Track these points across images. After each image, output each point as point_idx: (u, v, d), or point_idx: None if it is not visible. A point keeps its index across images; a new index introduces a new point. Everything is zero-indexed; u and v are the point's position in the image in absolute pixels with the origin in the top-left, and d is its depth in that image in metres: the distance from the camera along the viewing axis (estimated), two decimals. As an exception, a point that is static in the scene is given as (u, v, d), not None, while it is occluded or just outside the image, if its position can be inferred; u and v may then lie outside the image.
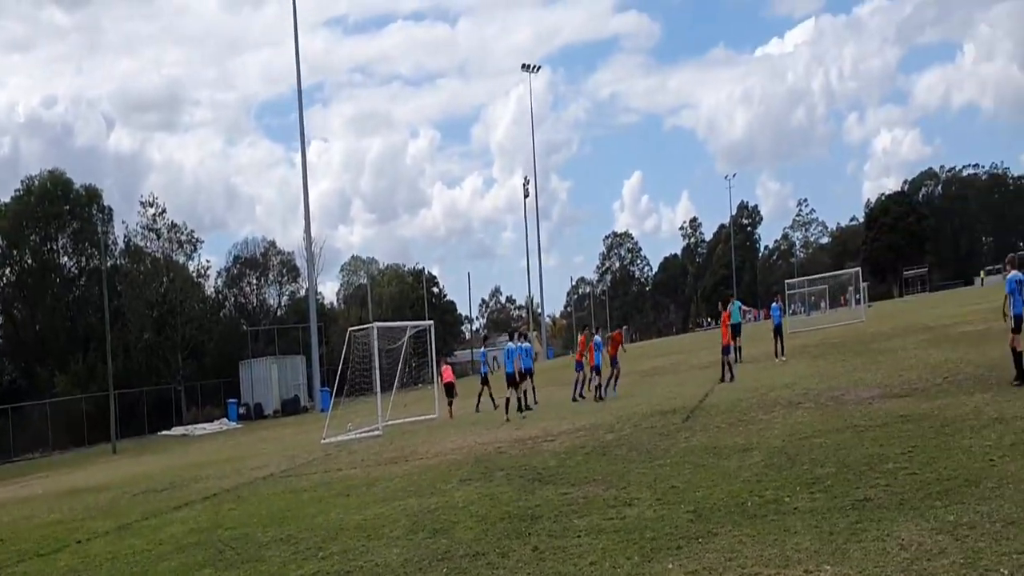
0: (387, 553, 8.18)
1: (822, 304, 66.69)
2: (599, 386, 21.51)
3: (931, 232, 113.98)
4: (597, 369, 21.55)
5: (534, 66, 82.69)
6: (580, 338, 23.07)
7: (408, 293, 77.37)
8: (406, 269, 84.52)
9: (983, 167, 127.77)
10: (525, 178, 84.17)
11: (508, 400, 20.48)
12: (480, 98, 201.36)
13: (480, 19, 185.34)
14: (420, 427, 22.48)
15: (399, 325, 27.98)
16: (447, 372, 25.57)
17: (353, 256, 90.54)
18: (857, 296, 56.96)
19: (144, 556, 10.10)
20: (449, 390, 24.82)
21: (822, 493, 7.78)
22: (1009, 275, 13.08)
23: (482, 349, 25.20)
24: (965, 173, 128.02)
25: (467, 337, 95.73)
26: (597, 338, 22.75)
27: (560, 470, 11.30)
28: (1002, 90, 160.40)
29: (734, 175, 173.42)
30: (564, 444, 13.86)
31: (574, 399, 22.13)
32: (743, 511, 7.60)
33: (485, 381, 25.33)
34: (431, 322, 28.16)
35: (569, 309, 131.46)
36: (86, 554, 10.88)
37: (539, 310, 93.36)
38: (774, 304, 28.52)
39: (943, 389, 13.16)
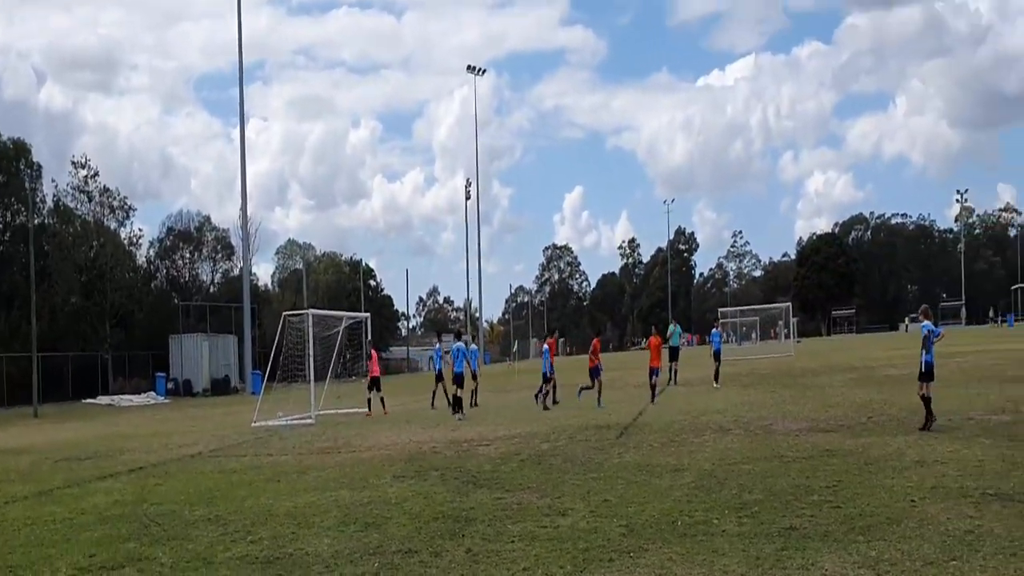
0: (318, 543, 8.17)
1: (753, 335, 68.22)
2: (547, 394, 21.77)
3: (860, 275, 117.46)
4: (546, 376, 21.89)
5: (479, 68, 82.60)
6: (595, 343, 22.59)
7: (344, 283, 76.52)
8: (343, 259, 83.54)
9: (911, 217, 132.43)
10: (467, 180, 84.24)
11: (456, 398, 20.68)
12: (424, 94, 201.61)
13: (427, 15, 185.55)
14: (353, 419, 22.34)
15: (335, 314, 27.77)
16: (374, 364, 24.76)
17: (289, 240, 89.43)
18: (786, 331, 58.43)
19: (65, 524, 9.89)
20: (374, 384, 24.14)
21: (749, 518, 8.02)
22: (922, 324, 13.60)
23: (437, 346, 24.88)
24: (894, 221, 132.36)
25: (403, 334, 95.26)
26: (545, 346, 23.21)
27: (495, 475, 11.40)
28: (931, 145, 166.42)
29: (672, 200, 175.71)
30: (499, 450, 13.96)
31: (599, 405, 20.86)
32: (673, 529, 7.79)
33: (440, 379, 25.01)
34: (368, 314, 28.00)
35: (507, 316, 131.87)
36: (2, 518, 10.60)
37: (477, 314, 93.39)
38: (715, 331, 29.02)
39: (867, 428, 13.63)
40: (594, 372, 21.05)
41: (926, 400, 12.97)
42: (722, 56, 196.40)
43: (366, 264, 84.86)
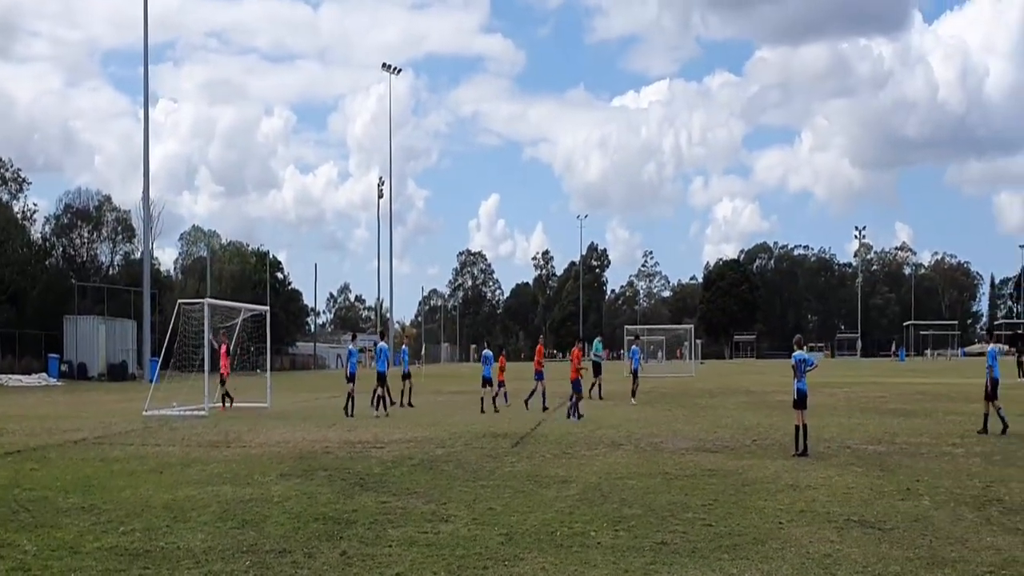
0: (191, 537, 8.02)
1: (659, 354, 69.61)
2: (494, 398, 22.41)
3: (762, 302, 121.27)
4: (488, 381, 22.60)
5: (395, 67, 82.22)
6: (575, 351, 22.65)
7: (251, 274, 74.73)
8: (250, 249, 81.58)
9: (813, 249, 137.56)
10: (380, 178, 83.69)
11: (378, 396, 20.98)
12: (340, 88, 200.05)
13: (345, 8, 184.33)
14: (248, 414, 21.92)
15: (233, 305, 27.22)
16: (224, 358, 23.82)
17: (194, 226, 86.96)
18: (690, 351, 59.86)
19: (-75, 507, 9.45)
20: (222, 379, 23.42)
21: (625, 532, 8.22)
22: (795, 354, 14.04)
23: (351, 347, 24.54)
24: (796, 252, 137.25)
25: (312, 330, 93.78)
26: (487, 352, 23.59)
27: (383, 478, 11.37)
28: (834, 181, 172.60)
29: (586, 216, 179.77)
30: (392, 453, 13.93)
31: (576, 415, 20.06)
32: (552, 540, 7.93)
33: (353, 379, 24.46)
34: (267, 308, 27.45)
35: (420, 319, 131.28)
36: None
37: (388, 315, 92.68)
38: (635, 348, 29.39)
39: (750, 450, 14.09)
40: (538, 375, 22.24)
41: (798, 428, 13.43)
42: (637, 78, 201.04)
43: (274, 256, 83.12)
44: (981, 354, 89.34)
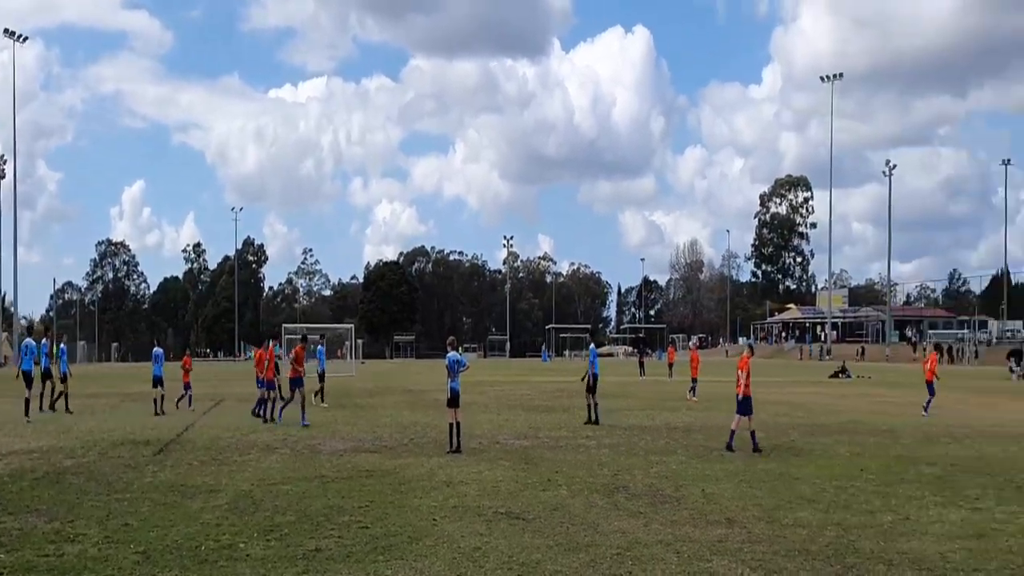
0: None
1: (291, 353, 68.58)
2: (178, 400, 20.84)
3: (421, 304, 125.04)
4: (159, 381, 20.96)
5: (20, 35, 73.97)
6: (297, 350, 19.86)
7: None
8: None
9: (467, 255, 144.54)
10: (2, 156, 74.43)
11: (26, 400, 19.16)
12: None
13: None
14: None
15: None
16: None
17: None
18: (350, 351, 59.89)
19: None
20: None
21: (277, 541, 7.90)
22: (448, 355, 14.61)
23: (29, 340, 20.97)
24: (452, 257, 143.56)
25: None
26: (158, 350, 21.85)
27: (-4, 495, 9.91)
28: (484, 192, 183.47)
29: (241, 209, 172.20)
30: (11, 466, 12.26)
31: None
32: (195, 555, 7.38)
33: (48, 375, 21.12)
34: None
35: (51, 313, 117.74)
36: None
37: (12, 308, 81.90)
38: (320, 347, 28.49)
39: (408, 449, 14.33)
40: (295, 383, 18.46)
41: (452, 425, 13.92)
42: (295, 72, 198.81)
43: None
44: (611, 354, 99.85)
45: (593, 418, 18.46)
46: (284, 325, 47.74)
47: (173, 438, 15.77)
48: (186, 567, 7.02)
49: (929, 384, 21.31)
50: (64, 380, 21.45)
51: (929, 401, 21.01)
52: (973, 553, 7.56)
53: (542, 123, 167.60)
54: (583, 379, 19.41)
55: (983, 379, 40.76)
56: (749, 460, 13.19)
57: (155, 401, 20.97)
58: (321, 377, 24.33)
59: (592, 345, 20.51)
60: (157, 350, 22.31)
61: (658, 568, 7.02)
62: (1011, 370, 46.12)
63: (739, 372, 14.63)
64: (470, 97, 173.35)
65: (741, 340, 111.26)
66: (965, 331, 78.24)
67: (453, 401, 14.02)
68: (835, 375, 43.55)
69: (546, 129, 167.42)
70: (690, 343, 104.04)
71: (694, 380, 26.57)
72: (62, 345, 21.51)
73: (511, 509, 9.34)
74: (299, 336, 23.41)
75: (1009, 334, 79.06)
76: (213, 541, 7.88)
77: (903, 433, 17.02)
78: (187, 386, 22.18)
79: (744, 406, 14.22)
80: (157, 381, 21.17)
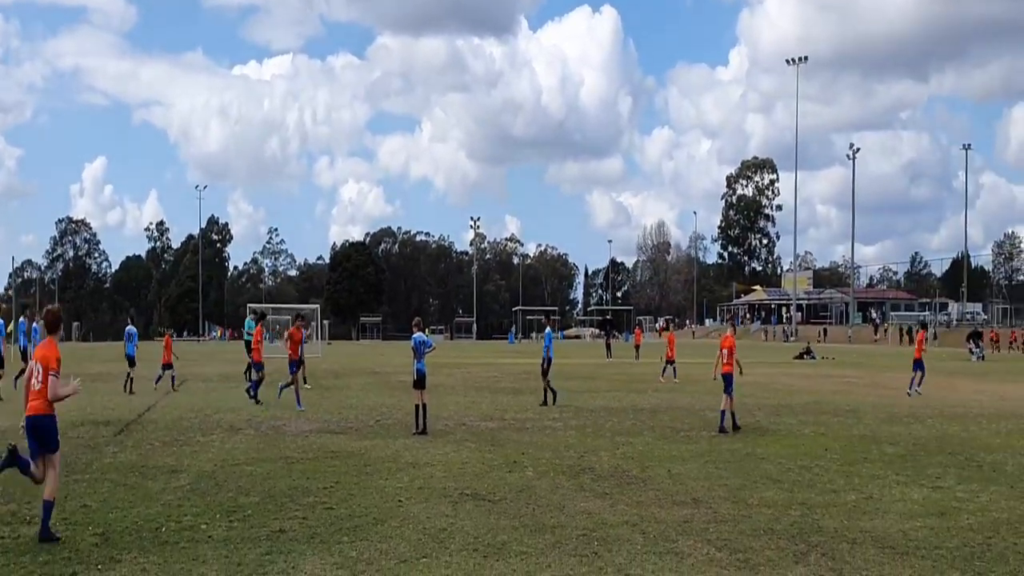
0: None
1: (285, 334, 68.26)
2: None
3: (387, 285, 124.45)
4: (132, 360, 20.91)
5: None
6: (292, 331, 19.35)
7: None
8: None
9: (434, 236, 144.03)
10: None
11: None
12: None
13: None
14: None
15: None
16: None
17: None
18: (316, 332, 59.44)
19: None
20: None
21: (240, 522, 7.78)
22: (414, 336, 14.44)
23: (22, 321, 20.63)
24: (419, 238, 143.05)
25: None
26: (130, 328, 22.09)
27: (-53, 477, 9.65)
28: (452, 172, 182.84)
29: (205, 187, 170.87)
30: (-39, 447, 11.91)
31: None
32: (156, 537, 7.24)
33: None
34: None
35: (10, 292, 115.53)
36: None
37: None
38: (250, 320, 28.26)
39: (374, 430, 14.22)
40: (293, 365, 18.19)
41: (418, 407, 13.80)
42: (259, 49, 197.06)
43: None
44: (578, 336, 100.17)
45: (549, 400, 18.45)
46: (248, 305, 47.19)
47: (134, 418, 15.53)
48: (146, 548, 6.88)
49: (918, 362, 21.62)
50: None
51: (921, 379, 21.46)
52: (935, 531, 7.65)
53: (509, 103, 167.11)
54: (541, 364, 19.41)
55: (943, 361, 41.44)
56: (715, 440, 13.27)
57: (128, 380, 20.79)
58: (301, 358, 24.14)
59: (548, 328, 20.49)
60: (130, 328, 22.31)
61: (624, 548, 7.01)
62: (971, 351, 46.97)
63: (721, 351, 14.74)
64: (437, 76, 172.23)
65: (708, 322, 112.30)
66: (926, 313, 79.52)
67: (419, 383, 13.91)
68: (800, 356, 44.05)
69: (513, 109, 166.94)
70: (657, 325, 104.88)
71: (671, 361, 26.67)
72: (36, 324, 21.10)
73: (477, 491, 9.29)
74: (293, 317, 23.02)
75: (969, 316, 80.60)
76: (174, 522, 7.74)
77: (866, 413, 17.24)
78: (169, 366, 21.84)
79: (727, 384, 14.34)
80: (130, 360, 20.98)
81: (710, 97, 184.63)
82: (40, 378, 7.18)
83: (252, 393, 18.56)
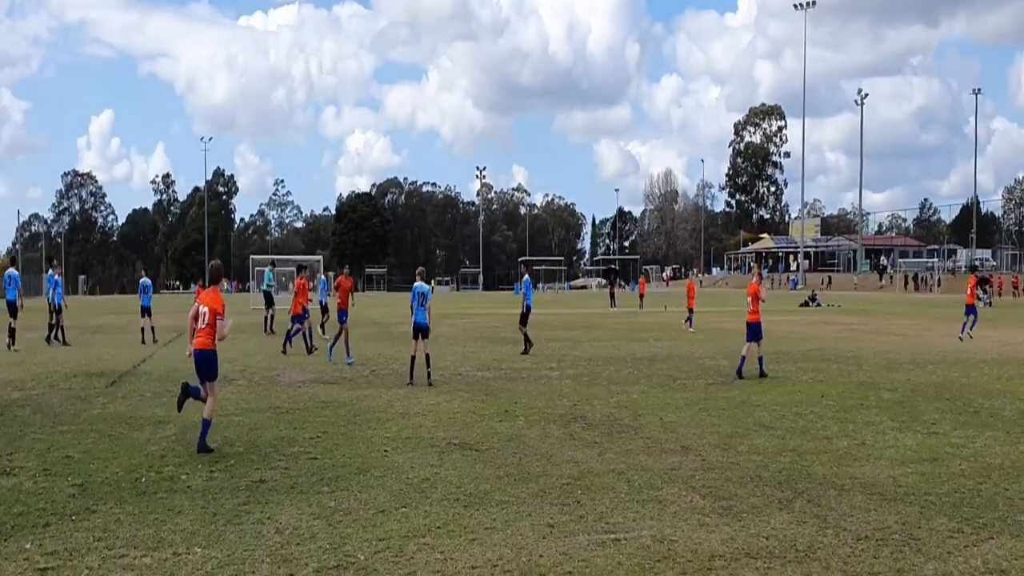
0: None
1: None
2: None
3: (393, 236, 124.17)
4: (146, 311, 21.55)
5: None
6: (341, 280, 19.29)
7: None
8: None
9: (440, 187, 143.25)
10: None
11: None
12: None
13: None
14: None
15: None
16: None
17: None
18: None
19: None
20: None
21: (222, 472, 7.70)
22: (415, 285, 14.20)
23: (11, 271, 20.98)
24: (425, 189, 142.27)
25: None
26: (145, 280, 22.55)
27: (-68, 429, 9.61)
28: (458, 122, 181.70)
29: (211, 139, 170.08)
30: (-49, 399, 11.89)
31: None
32: (134, 487, 7.16)
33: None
34: None
35: (17, 246, 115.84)
36: None
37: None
38: (322, 279, 28.50)
39: (368, 381, 14.14)
40: (340, 315, 17.73)
41: (414, 357, 13.65)
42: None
43: None
44: (584, 287, 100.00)
45: (529, 349, 18.36)
46: (252, 257, 47.12)
47: (128, 370, 15.49)
48: (123, 499, 6.80)
49: (970, 307, 21.95)
50: (59, 312, 21.29)
51: (973, 323, 21.82)
52: (925, 477, 7.52)
53: (516, 51, 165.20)
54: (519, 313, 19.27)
55: (950, 308, 41.16)
56: (711, 388, 13.15)
57: (142, 330, 21.47)
58: (324, 309, 24.69)
59: (526, 277, 20.29)
60: (145, 280, 22.92)
61: (607, 497, 6.90)
62: (978, 297, 46.63)
63: (748, 299, 14.76)
64: (444, 24, 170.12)
65: (715, 271, 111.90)
66: (935, 260, 79.01)
67: (421, 331, 13.69)
68: (805, 303, 43.83)
69: (521, 57, 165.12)
70: (664, 274, 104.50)
71: (690, 310, 26.61)
72: (56, 277, 21.43)
73: (465, 440, 9.19)
74: (297, 267, 22.98)
75: (978, 262, 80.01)
76: (155, 472, 7.67)
77: (866, 360, 17.09)
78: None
79: (753, 331, 14.52)
80: (145, 311, 21.57)
81: (719, 43, 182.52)
82: (207, 320, 8.70)
83: (307, 342, 18.94)
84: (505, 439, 9.24)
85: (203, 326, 8.75)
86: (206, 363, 8.85)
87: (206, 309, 8.70)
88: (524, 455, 8.46)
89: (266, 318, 25.36)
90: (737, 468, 7.86)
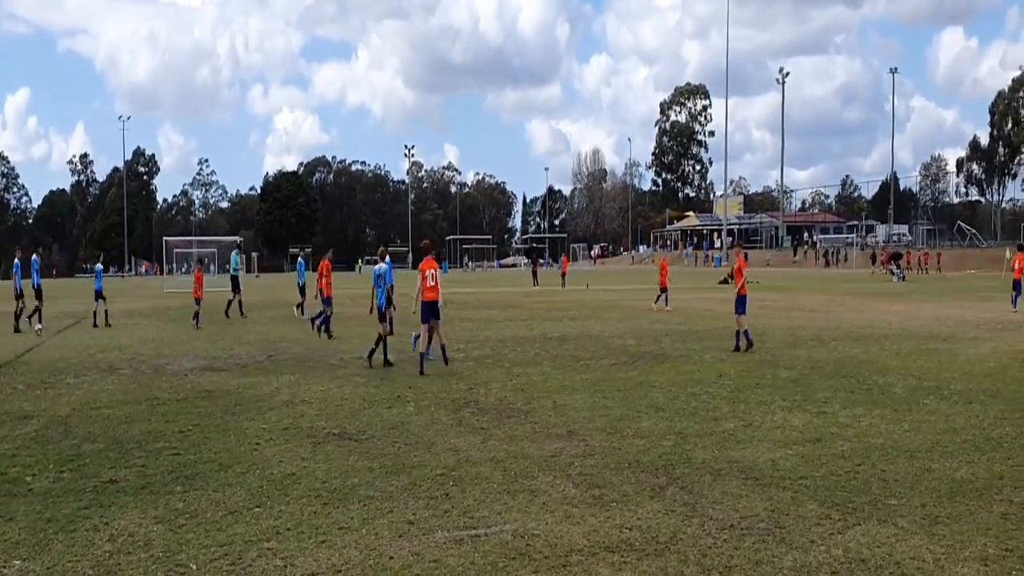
0: None
1: (212, 268, 66.52)
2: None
3: (321, 215, 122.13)
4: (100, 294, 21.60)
5: None
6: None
7: None
8: None
9: (370, 165, 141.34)
10: None
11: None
12: None
13: None
14: None
15: None
16: None
17: None
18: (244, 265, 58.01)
19: None
20: None
21: (72, 472, 7.18)
22: (376, 266, 14.14)
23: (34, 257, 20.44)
24: (354, 168, 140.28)
25: None
26: (98, 267, 23.43)
27: None
28: (389, 100, 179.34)
29: (129, 117, 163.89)
30: None
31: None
32: (-32, 493, 6.62)
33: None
34: None
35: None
36: None
37: None
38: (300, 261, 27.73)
39: (263, 367, 13.61)
40: (327, 301, 18.51)
41: (380, 337, 13.47)
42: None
43: None
44: (514, 265, 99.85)
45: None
46: (165, 239, 45.68)
47: (10, 360, 14.67)
48: (-49, 507, 6.26)
49: (1017, 283, 23.15)
50: (21, 297, 20.56)
51: (1015, 298, 22.97)
52: (805, 459, 7.42)
53: (447, 29, 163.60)
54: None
55: (863, 282, 42.16)
56: (611, 369, 13.00)
57: (94, 314, 21.66)
58: (302, 291, 24.56)
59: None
60: (98, 266, 24.04)
61: (478, 488, 6.62)
62: (892, 272, 47.90)
63: (735, 274, 15.67)
64: (373, 2, 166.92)
65: (641, 248, 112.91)
66: (853, 235, 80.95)
67: (383, 317, 13.61)
68: (724, 281, 44.34)
69: (451, 35, 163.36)
70: (592, 252, 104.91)
71: (663, 289, 26.36)
72: (34, 258, 21.12)
73: (346, 429, 8.81)
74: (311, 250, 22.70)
75: (895, 238, 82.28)
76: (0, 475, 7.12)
77: (772, 336, 17.19)
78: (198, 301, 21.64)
79: (740, 305, 15.05)
80: (98, 295, 21.69)
81: (647, 23, 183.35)
82: (436, 278, 12.93)
83: (325, 330, 18.15)
84: (389, 427, 8.90)
85: (432, 283, 12.78)
86: (437, 309, 13.01)
87: (432, 271, 12.89)
88: (405, 444, 8.13)
89: (229, 302, 24.31)
90: (618, 454, 7.66)
